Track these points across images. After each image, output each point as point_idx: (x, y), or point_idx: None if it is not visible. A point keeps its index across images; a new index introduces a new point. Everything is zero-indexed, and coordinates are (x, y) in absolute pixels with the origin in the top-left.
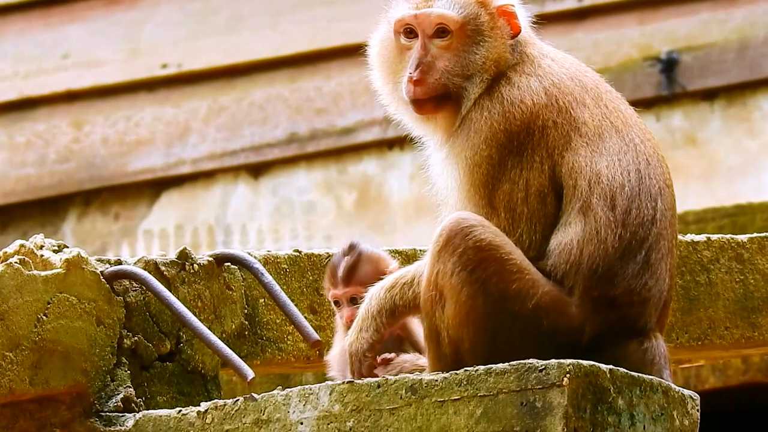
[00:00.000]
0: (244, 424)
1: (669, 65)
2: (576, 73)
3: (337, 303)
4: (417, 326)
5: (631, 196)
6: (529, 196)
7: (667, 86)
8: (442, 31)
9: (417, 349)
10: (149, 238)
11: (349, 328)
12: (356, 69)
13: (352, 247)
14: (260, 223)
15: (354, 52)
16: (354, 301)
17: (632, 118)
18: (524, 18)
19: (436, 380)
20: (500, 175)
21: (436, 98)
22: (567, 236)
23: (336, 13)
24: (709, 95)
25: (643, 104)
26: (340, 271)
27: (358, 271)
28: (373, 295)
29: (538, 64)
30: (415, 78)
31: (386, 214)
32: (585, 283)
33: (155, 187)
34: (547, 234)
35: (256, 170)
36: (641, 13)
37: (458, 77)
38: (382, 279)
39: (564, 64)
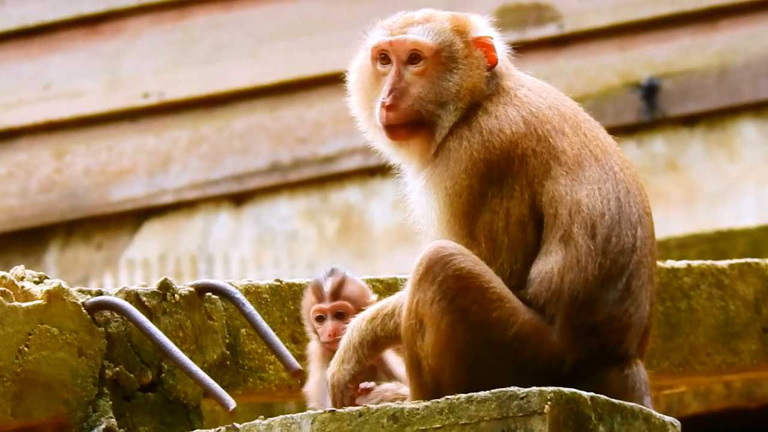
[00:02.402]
0: None
1: (650, 91)
2: (554, 102)
3: (320, 318)
4: (391, 356)
5: (611, 225)
6: (510, 225)
7: (648, 112)
8: (415, 57)
9: (391, 378)
10: (132, 268)
11: (330, 342)
12: (337, 97)
13: (334, 269)
14: (243, 252)
15: (335, 80)
16: (340, 316)
17: (611, 147)
18: (502, 50)
19: (418, 409)
20: (480, 205)
21: (409, 124)
22: (548, 265)
23: (316, 41)
24: (689, 121)
25: (624, 130)
26: (327, 287)
27: (345, 287)
28: (354, 327)
29: (515, 94)
30: (387, 103)
31: (369, 241)
32: (566, 311)
33: (137, 217)
34: (528, 263)
35: (238, 199)
36: (621, 40)
37: (431, 104)
38: (363, 309)
39: (542, 94)
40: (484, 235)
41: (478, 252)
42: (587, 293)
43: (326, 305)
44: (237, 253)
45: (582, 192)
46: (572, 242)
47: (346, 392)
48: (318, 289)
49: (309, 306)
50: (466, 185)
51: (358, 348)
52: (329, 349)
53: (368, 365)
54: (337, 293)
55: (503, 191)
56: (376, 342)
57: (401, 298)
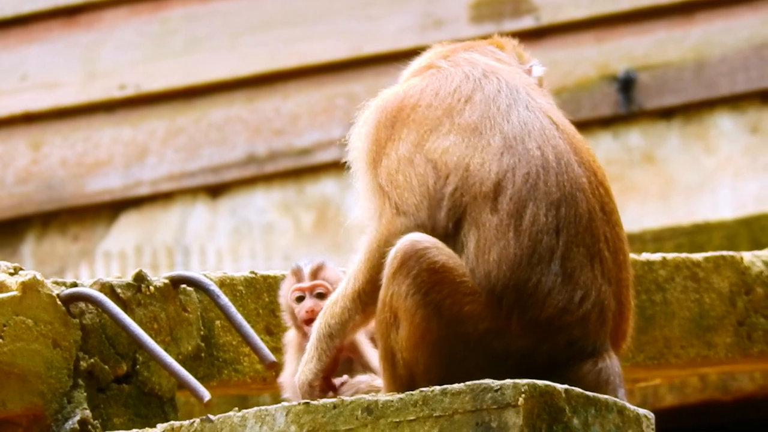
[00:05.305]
0: None
1: (626, 84)
2: (479, 76)
3: (299, 298)
4: (366, 347)
5: (518, 201)
6: (400, 163)
7: (625, 105)
8: None
9: (368, 370)
10: (108, 260)
11: (308, 321)
12: (314, 89)
13: (314, 258)
14: (219, 244)
15: (312, 72)
16: (320, 296)
17: (534, 126)
18: None
19: (392, 401)
20: (381, 151)
21: None
22: (467, 250)
23: (294, 33)
24: (666, 114)
25: (600, 123)
26: (307, 268)
27: (324, 270)
28: (313, 327)
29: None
30: None
31: (345, 234)
32: (512, 302)
33: (114, 209)
34: (433, 206)
35: (215, 191)
36: (598, 32)
37: None
38: None
39: (471, 71)
40: (386, 181)
41: (390, 203)
42: (518, 276)
43: (306, 284)
44: (213, 245)
45: (474, 158)
46: (477, 220)
47: (311, 391)
48: (298, 272)
49: (288, 288)
50: (365, 133)
51: (317, 344)
52: (307, 334)
53: (332, 359)
54: (316, 274)
55: (394, 134)
56: (330, 333)
57: (340, 286)
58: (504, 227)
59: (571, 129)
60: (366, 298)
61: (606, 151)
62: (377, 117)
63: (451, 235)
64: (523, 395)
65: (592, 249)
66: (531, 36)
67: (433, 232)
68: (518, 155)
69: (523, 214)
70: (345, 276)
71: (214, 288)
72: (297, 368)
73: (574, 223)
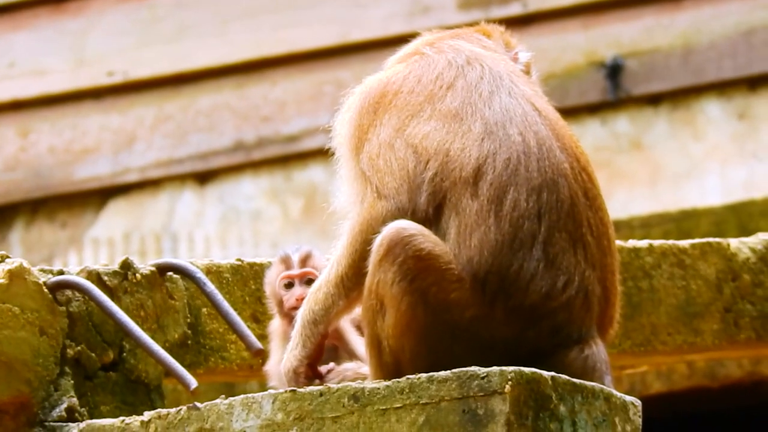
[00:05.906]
0: None
1: (614, 70)
2: (462, 63)
3: (288, 285)
4: (352, 335)
5: (499, 186)
6: (381, 147)
7: (613, 91)
8: None
9: (353, 358)
10: (96, 247)
11: (296, 308)
12: (302, 76)
13: (302, 246)
14: (207, 231)
15: (299, 59)
16: (309, 283)
17: (516, 112)
18: None
19: (379, 388)
20: (363, 136)
21: None
22: (449, 236)
23: (281, 21)
24: (654, 100)
25: (588, 109)
26: (296, 256)
27: (313, 258)
28: (297, 315)
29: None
30: None
31: (333, 221)
32: (496, 288)
33: (102, 195)
34: (414, 186)
35: (203, 178)
36: (586, 19)
37: None
38: None
39: (455, 58)
40: (367, 166)
41: (372, 188)
42: (499, 262)
43: (295, 271)
44: (201, 232)
45: (455, 143)
46: (458, 205)
47: (296, 378)
48: (286, 259)
49: (276, 276)
50: (349, 119)
51: (301, 331)
52: (293, 322)
53: (317, 345)
54: (305, 262)
55: (376, 120)
56: (315, 318)
57: (324, 272)
58: (485, 213)
59: (554, 115)
60: (349, 282)
61: (594, 137)
62: (360, 103)
63: (433, 220)
64: (509, 382)
65: (574, 234)
66: (518, 23)
67: (413, 216)
68: (499, 141)
69: (504, 200)
70: (328, 262)
71: (201, 275)
72: (283, 356)
73: (556, 208)
